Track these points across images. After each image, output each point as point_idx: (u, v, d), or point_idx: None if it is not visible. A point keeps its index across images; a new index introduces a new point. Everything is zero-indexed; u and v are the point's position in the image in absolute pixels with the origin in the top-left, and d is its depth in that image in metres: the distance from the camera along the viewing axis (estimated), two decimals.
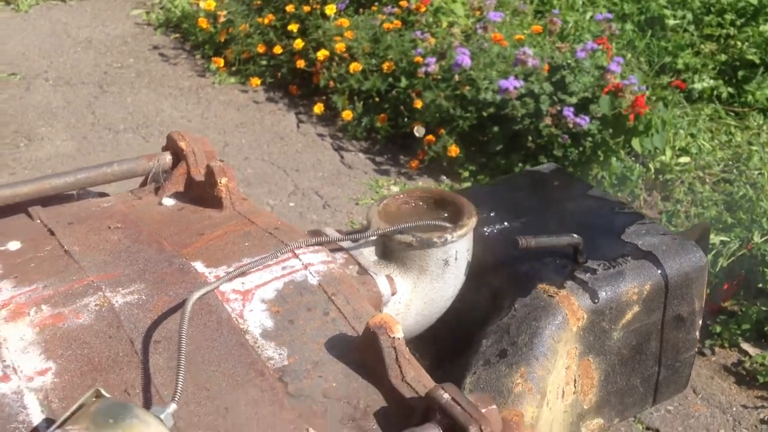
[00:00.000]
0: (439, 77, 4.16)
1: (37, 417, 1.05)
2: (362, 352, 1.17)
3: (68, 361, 1.13)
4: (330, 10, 4.88)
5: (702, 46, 4.72)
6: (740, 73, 4.54)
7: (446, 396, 1.02)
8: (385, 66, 4.40)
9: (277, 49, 4.96)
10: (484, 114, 4.00)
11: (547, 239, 1.47)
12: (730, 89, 4.49)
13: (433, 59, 4.16)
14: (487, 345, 1.44)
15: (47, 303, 1.22)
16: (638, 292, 1.51)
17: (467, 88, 4.03)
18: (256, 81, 5.00)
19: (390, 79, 4.40)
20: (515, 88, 3.79)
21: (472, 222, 1.44)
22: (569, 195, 1.75)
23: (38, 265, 1.36)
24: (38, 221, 1.54)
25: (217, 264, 1.33)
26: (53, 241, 1.45)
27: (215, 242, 1.40)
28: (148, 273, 1.30)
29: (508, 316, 1.46)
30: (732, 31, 4.61)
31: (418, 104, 4.11)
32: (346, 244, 1.46)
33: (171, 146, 1.68)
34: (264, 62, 5.13)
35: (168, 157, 1.67)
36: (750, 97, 4.41)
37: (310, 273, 1.32)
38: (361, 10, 5.09)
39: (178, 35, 5.93)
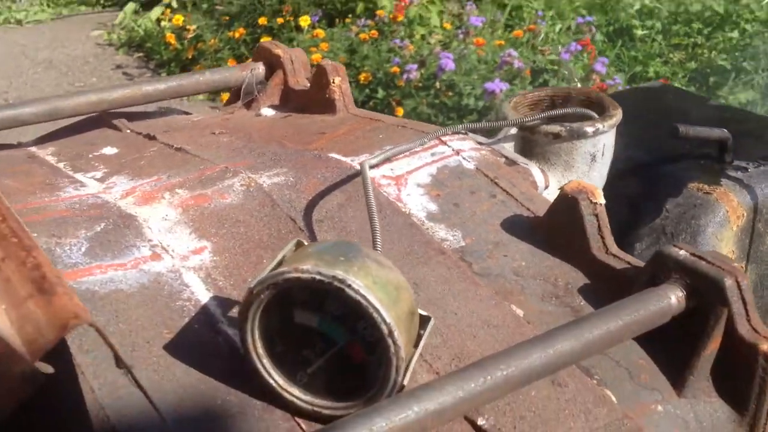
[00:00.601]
0: (420, 85, 4.03)
1: (202, 294, 0.90)
2: (549, 229, 1.04)
3: (225, 240, 0.98)
4: (304, 21, 4.67)
5: (671, 55, 4.69)
6: (711, 80, 4.50)
7: (683, 252, 0.89)
8: (361, 77, 4.23)
9: None
10: (466, 121, 3.87)
11: (702, 129, 1.35)
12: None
13: (414, 66, 4.02)
14: (642, 248, 1.32)
15: (181, 187, 1.07)
16: None
17: (449, 94, 3.91)
18: (226, 96, 4.80)
19: (367, 90, 4.25)
20: (501, 90, 3.67)
21: (619, 113, 1.31)
22: (691, 105, 1.63)
23: (149, 162, 1.21)
24: (128, 131, 1.38)
25: (357, 153, 1.18)
26: (156, 144, 1.29)
27: (343, 137, 1.26)
28: (284, 161, 1.15)
29: (661, 217, 1.34)
30: (700, 39, 4.59)
31: (399, 112, 3.93)
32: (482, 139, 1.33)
33: (264, 56, 1.53)
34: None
35: (261, 68, 1.53)
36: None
37: (464, 158, 1.18)
38: (336, 21, 4.94)
39: (141, 54, 5.67)
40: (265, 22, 4.81)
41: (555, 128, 1.28)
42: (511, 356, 0.76)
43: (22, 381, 0.55)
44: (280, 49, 1.51)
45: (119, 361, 0.61)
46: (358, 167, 1.12)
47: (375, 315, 0.71)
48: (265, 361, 0.77)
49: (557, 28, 4.69)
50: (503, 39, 4.39)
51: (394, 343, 0.72)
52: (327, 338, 0.75)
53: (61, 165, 1.26)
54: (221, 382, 0.79)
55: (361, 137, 1.25)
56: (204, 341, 0.84)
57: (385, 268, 0.77)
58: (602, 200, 0.98)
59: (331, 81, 1.38)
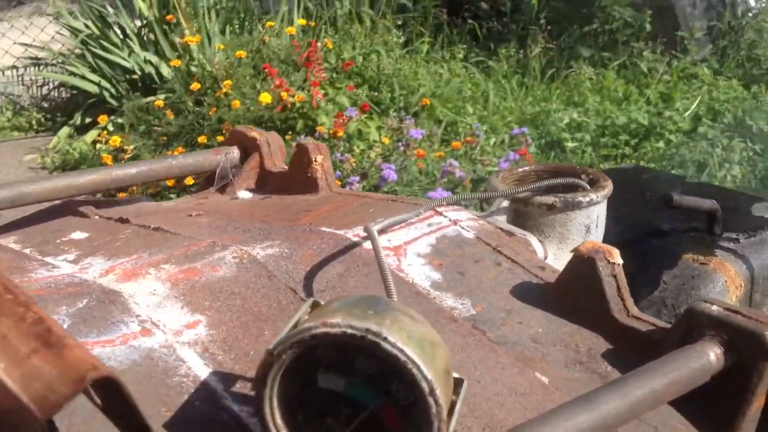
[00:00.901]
0: None
1: (201, 370, 0.81)
2: (563, 294, 0.99)
3: (221, 313, 0.90)
4: None
5: (601, 165, 4.84)
6: None
7: (716, 307, 0.84)
8: None
9: (189, 181, 4.65)
10: None
11: (694, 199, 1.33)
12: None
13: (357, 178, 4.05)
14: None
15: (167, 263, 0.99)
16: None
17: None
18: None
19: None
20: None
21: (610, 185, 1.29)
22: (667, 183, 1.63)
23: (126, 242, 1.13)
24: (97, 217, 1.30)
25: (349, 226, 1.12)
26: (130, 226, 1.22)
27: (331, 213, 1.20)
28: (274, 235, 1.09)
29: (659, 289, 1.30)
30: (627, 150, 4.76)
31: None
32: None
33: (237, 140, 1.48)
34: (174, 195, 4.84)
35: (236, 151, 1.47)
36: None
37: (462, 228, 1.13)
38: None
39: None
40: (205, 141, 4.76)
41: (549, 199, 1.24)
42: (557, 418, 0.69)
43: None
44: (255, 132, 1.46)
45: (143, 427, 0.52)
46: (354, 239, 1.06)
47: (414, 371, 0.64)
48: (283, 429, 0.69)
49: (492, 141, 4.78)
50: (442, 151, 4.45)
51: (436, 402, 0.64)
52: (355, 403, 0.68)
53: (27, 251, 1.17)
54: None
55: (351, 212, 1.19)
56: (207, 418, 0.75)
57: (418, 322, 0.70)
58: (620, 260, 0.94)
59: (313, 159, 1.33)
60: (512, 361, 0.88)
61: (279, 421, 0.68)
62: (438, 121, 5.11)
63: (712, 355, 0.81)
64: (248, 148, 1.46)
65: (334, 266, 1.00)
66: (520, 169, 1.37)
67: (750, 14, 5.44)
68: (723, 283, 1.27)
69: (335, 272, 0.99)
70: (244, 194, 1.41)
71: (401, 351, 0.64)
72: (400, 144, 4.45)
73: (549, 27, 5.73)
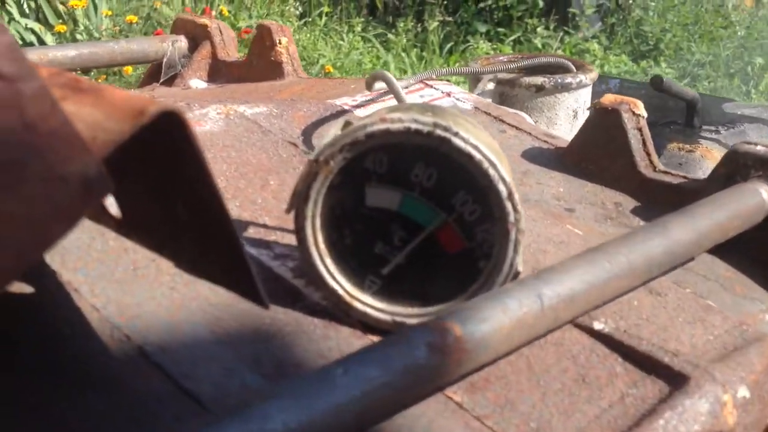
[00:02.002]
0: None
1: None
2: (581, 155, 0.91)
3: (215, 163, 0.78)
4: None
5: None
6: None
7: (761, 147, 0.79)
8: None
9: (128, 70, 4.44)
10: None
11: (680, 86, 1.29)
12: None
13: None
14: None
15: None
16: None
17: None
18: None
19: None
20: None
21: (595, 71, 1.23)
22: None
23: None
24: None
25: (335, 98, 1.02)
26: None
27: (307, 90, 1.09)
28: (256, 100, 0.97)
29: None
30: None
31: None
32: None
33: (185, 29, 1.35)
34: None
35: (184, 41, 1.34)
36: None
37: (457, 99, 1.04)
38: None
39: None
40: None
41: (538, 80, 1.17)
42: (631, 242, 0.62)
43: (83, 184, 0.35)
44: (205, 19, 1.33)
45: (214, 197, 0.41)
46: (345, 106, 0.96)
47: (491, 171, 0.55)
48: (328, 260, 0.59)
49: None
50: None
51: (515, 207, 0.55)
52: (410, 224, 0.58)
53: None
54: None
55: (331, 88, 1.08)
56: None
57: (479, 127, 0.61)
58: (645, 113, 0.87)
59: (277, 42, 1.22)
60: (541, 215, 0.80)
61: (322, 245, 0.58)
62: None
63: (764, 193, 0.75)
64: (197, 37, 1.33)
65: (332, 126, 0.89)
66: (499, 57, 1.29)
67: None
68: (711, 168, 1.23)
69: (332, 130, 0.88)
70: (197, 83, 1.28)
71: (475, 147, 0.54)
72: None
73: (445, 2, 5.69)
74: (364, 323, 0.59)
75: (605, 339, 0.61)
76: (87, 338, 0.53)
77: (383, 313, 0.59)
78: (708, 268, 0.77)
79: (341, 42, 5.24)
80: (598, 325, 0.62)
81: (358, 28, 5.57)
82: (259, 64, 1.23)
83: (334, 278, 0.59)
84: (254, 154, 0.80)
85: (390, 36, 5.47)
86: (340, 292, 0.59)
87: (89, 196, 0.36)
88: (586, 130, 0.90)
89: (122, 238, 0.53)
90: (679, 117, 1.37)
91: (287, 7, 5.37)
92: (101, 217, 0.52)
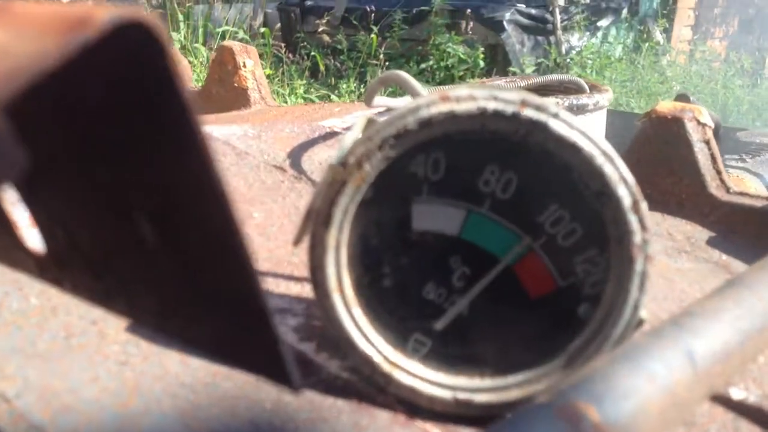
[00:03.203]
0: None
1: None
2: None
3: None
4: None
5: None
6: None
7: None
8: None
9: None
10: None
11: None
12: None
13: None
14: None
15: None
16: None
17: None
18: None
19: None
20: None
21: (611, 91, 1.07)
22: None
23: None
24: None
25: (317, 121, 0.83)
26: None
27: (283, 117, 0.91)
28: (226, 121, 0.78)
29: None
30: None
31: None
32: None
33: None
34: None
35: None
36: None
37: None
38: None
39: None
40: None
41: (552, 101, 1.00)
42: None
43: None
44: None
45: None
46: (327, 128, 0.77)
47: (607, 168, 0.37)
48: (358, 312, 0.40)
49: None
50: None
51: (642, 224, 0.37)
52: (474, 257, 0.39)
53: None
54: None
55: (311, 112, 0.90)
56: None
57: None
58: (711, 122, 0.70)
59: (241, 65, 1.03)
60: None
61: (349, 290, 0.39)
62: None
63: None
64: None
65: (321, 148, 0.71)
66: (503, 79, 1.13)
67: (573, 52, 5.56)
68: None
69: (326, 154, 0.70)
70: None
71: (583, 134, 0.37)
72: None
73: (387, 63, 5.62)
74: (409, 402, 0.40)
75: (752, 412, 0.43)
76: None
77: (440, 388, 0.40)
78: None
79: (284, 104, 5.08)
80: (737, 393, 0.44)
81: (301, 90, 5.44)
82: (219, 92, 1.04)
83: (366, 338, 0.40)
84: (229, 181, 0.61)
85: (333, 97, 5.35)
86: (376, 358, 0.40)
87: None
88: (640, 145, 0.72)
89: (48, 287, 0.34)
90: None
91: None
92: (13, 254, 0.32)
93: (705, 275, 0.62)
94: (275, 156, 0.66)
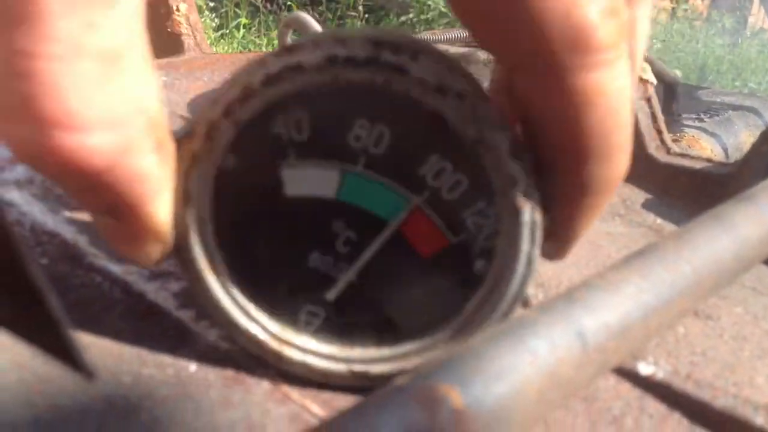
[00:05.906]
0: None
1: (41, 217, 0.47)
2: None
3: None
4: None
5: None
6: None
7: None
8: None
9: None
10: None
11: (661, 64, 1.10)
12: None
13: None
14: None
15: None
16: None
17: None
18: None
19: None
20: None
21: None
22: None
23: None
24: None
25: None
26: None
27: (207, 68, 0.86)
28: None
29: None
30: None
31: None
32: None
33: None
34: None
35: None
36: None
37: None
38: None
39: None
40: None
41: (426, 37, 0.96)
42: (692, 243, 0.41)
43: None
44: None
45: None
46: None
47: (480, 110, 0.33)
48: (236, 291, 0.36)
49: None
50: None
51: (525, 169, 0.34)
52: (357, 220, 0.36)
53: None
54: (146, 349, 0.37)
55: (245, 61, 0.85)
56: (74, 285, 0.41)
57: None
58: (653, 78, 0.67)
59: (174, 9, 0.98)
60: None
61: (224, 268, 0.36)
62: None
63: None
64: None
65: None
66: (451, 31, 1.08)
67: None
68: None
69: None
70: None
71: (452, 74, 0.33)
72: None
73: (366, 15, 5.53)
74: (291, 376, 0.37)
75: (659, 389, 0.40)
76: None
77: (334, 361, 0.37)
78: (756, 278, 0.57)
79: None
80: (645, 368, 0.41)
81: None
82: (151, 38, 0.99)
83: (250, 317, 0.36)
84: None
85: None
86: (262, 336, 0.36)
87: None
88: None
89: None
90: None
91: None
92: None
93: (636, 239, 0.59)
94: (184, 106, 0.62)
